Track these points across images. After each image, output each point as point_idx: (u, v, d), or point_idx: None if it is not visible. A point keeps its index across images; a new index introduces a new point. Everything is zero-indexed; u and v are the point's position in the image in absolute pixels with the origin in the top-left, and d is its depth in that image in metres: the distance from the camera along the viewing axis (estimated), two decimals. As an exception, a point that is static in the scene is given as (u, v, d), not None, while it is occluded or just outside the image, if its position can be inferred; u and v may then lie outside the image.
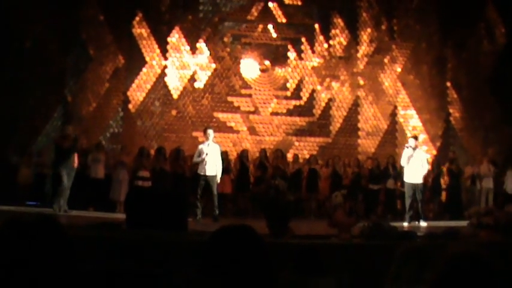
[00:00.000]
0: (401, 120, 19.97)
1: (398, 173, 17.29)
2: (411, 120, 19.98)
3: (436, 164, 17.99)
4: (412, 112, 19.96)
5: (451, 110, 20.14)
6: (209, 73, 19.26)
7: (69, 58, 18.77)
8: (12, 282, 2.30)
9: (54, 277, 2.38)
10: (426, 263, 3.52)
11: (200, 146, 14.06)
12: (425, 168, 14.77)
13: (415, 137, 15.30)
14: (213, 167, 13.77)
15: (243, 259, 2.44)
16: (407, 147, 14.55)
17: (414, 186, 14.42)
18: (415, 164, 14.38)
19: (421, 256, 3.70)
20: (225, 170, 15.79)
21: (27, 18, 18.07)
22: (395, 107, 19.99)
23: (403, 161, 14.62)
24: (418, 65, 20.16)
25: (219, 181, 14.02)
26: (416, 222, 14.24)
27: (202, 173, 13.76)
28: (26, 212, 12.19)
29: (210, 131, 14.03)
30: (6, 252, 2.36)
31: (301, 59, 19.69)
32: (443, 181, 17.90)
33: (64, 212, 13.70)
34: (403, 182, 16.86)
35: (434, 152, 19.58)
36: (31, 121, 18.25)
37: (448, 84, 20.20)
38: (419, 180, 14.49)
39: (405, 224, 14.09)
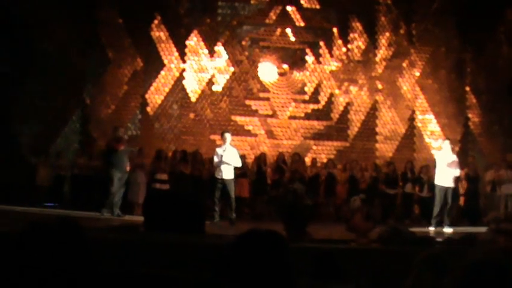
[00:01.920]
0: (419, 124, 19.87)
1: (417, 177, 17.24)
2: (429, 124, 19.88)
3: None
4: (430, 117, 19.86)
5: (469, 115, 20.01)
6: (227, 76, 19.28)
7: (88, 61, 18.85)
8: (33, 283, 2.32)
9: (74, 279, 2.39)
10: (444, 270, 3.51)
11: (216, 150, 14.10)
12: (457, 171, 14.46)
13: (450, 140, 15.09)
14: (230, 171, 13.80)
15: (269, 264, 2.44)
16: (442, 150, 14.42)
17: (445, 190, 14.16)
18: (448, 167, 14.13)
19: (439, 263, 3.69)
20: (243, 173, 15.81)
21: (46, 22, 18.18)
22: (414, 112, 19.90)
23: (439, 164, 14.34)
24: (436, 69, 20.05)
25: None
26: (441, 228, 13.94)
27: (219, 177, 13.78)
28: (47, 215, 12.32)
29: (227, 135, 14.06)
30: (28, 255, 2.38)
31: (319, 62, 19.66)
32: (461, 186, 17.78)
33: (117, 215, 13.81)
34: (421, 187, 16.82)
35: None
36: (50, 123, 18.36)
37: (467, 88, 20.07)
38: (451, 183, 14.22)
39: (431, 228, 13.89)
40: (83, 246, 2.55)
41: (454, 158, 14.48)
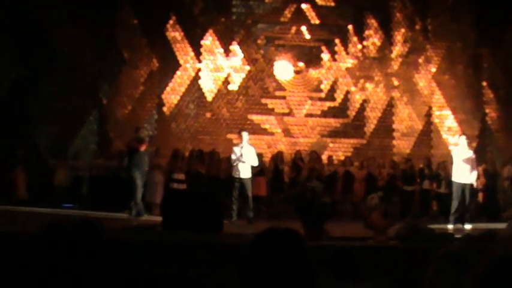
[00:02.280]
0: (436, 120, 19.77)
1: (434, 174, 17.15)
2: (446, 120, 19.78)
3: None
4: (447, 112, 19.76)
5: (487, 110, 19.88)
6: (243, 75, 19.28)
7: (104, 62, 18.92)
8: (54, 283, 2.33)
9: (95, 280, 2.41)
10: (465, 268, 3.48)
11: (234, 149, 14.12)
12: (474, 167, 14.17)
13: (466, 136, 14.88)
14: (247, 170, 13.81)
15: (287, 263, 2.44)
16: (458, 146, 14.28)
17: (463, 186, 13.90)
18: (465, 163, 13.92)
19: (459, 260, 3.67)
20: (260, 172, 15.81)
21: (63, 24, 18.27)
22: (431, 108, 19.81)
23: (456, 160, 14.11)
24: (453, 64, 19.94)
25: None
26: (460, 225, 13.71)
27: (237, 176, 13.80)
28: (67, 216, 12.39)
29: (245, 134, 14.10)
30: (49, 255, 2.39)
31: (335, 60, 19.62)
32: (480, 182, 17.65)
33: (135, 215, 13.82)
34: (439, 183, 16.71)
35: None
36: (67, 124, 18.45)
37: (484, 83, 19.93)
38: (468, 180, 13.93)
39: (450, 226, 13.67)
40: (103, 246, 2.57)
41: (471, 153, 14.27)
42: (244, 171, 13.79)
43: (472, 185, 14.15)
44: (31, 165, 17.04)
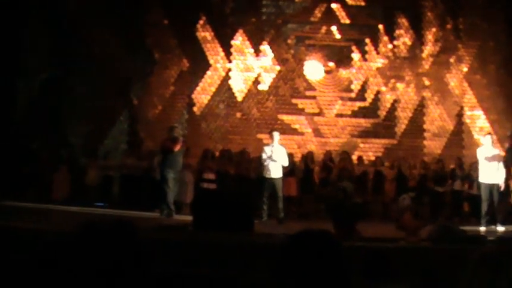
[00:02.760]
0: (468, 121, 19.60)
1: (466, 174, 16.98)
2: (478, 121, 19.59)
3: (505, 165, 17.51)
4: (479, 113, 19.57)
5: (520, 110, 19.67)
6: (273, 75, 19.29)
7: (135, 62, 19.03)
8: (90, 285, 2.35)
9: (130, 280, 2.41)
10: (501, 270, 3.44)
11: (265, 148, 14.13)
12: (501, 167, 13.90)
13: (491, 135, 14.66)
14: (278, 170, 13.80)
15: (323, 265, 2.43)
16: (483, 146, 14.10)
17: (491, 187, 13.71)
18: (492, 163, 13.70)
19: (496, 262, 3.63)
20: (290, 172, 15.79)
21: (94, 25, 18.44)
22: (462, 108, 19.64)
23: (481, 160, 13.95)
24: (485, 64, 19.75)
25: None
26: (493, 227, 13.49)
27: (267, 176, 13.79)
28: (99, 215, 12.49)
29: (275, 134, 14.10)
30: (84, 256, 2.40)
31: (365, 60, 19.54)
32: (512, 183, 17.46)
33: (166, 215, 13.76)
34: (470, 184, 16.52)
35: (503, 154, 19.12)
36: (98, 124, 18.61)
37: (517, 83, 19.75)
38: (495, 180, 13.70)
39: (482, 228, 13.47)
40: (138, 247, 2.57)
41: (497, 153, 14.07)
42: (275, 171, 13.80)
43: (499, 185, 13.93)
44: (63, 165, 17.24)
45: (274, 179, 13.78)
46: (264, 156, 13.86)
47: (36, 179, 16.90)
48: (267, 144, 14.42)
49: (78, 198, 16.11)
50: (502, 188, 13.90)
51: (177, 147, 13.89)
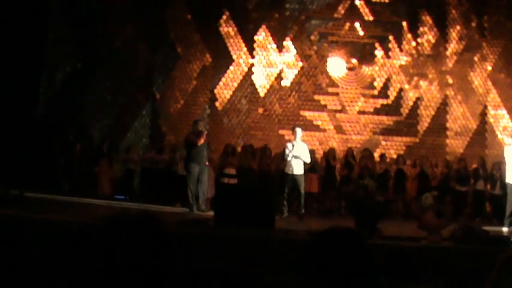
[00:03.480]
0: (491, 120, 19.42)
1: (489, 174, 16.86)
2: (502, 120, 19.41)
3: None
4: (503, 112, 19.39)
5: (544, 110, 19.50)
6: (296, 71, 19.25)
7: (158, 57, 19.14)
8: (115, 278, 2.35)
9: (155, 274, 2.42)
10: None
11: (287, 144, 14.13)
12: None
13: None
14: (300, 166, 13.80)
15: (348, 262, 2.43)
16: (510, 146, 13.93)
17: None
18: None
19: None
20: (312, 168, 15.77)
21: (116, 19, 18.53)
22: (486, 107, 19.46)
23: (509, 161, 13.79)
24: (509, 63, 19.56)
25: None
26: None
27: (289, 172, 13.79)
28: (122, 209, 12.56)
29: (298, 130, 14.09)
30: (109, 249, 2.41)
31: (388, 57, 19.44)
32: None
33: (201, 210, 13.79)
34: (493, 184, 16.39)
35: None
36: (121, 118, 18.71)
37: (542, 83, 19.58)
38: None
39: (504, 229, 13.37)
40: (163, 241, 2.58)
41: None
42: (297, 168, 13.80)
43: None
44: (87, 157, 17.35)
45: (296, 175, 13.78)
46: (287, 152, 13.85)
47: (71, 171, 17.05)
48: (289, 141, 14.43)
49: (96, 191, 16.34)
50: None
51: (201, 141, 13.88)
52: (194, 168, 13.89)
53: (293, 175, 13.73)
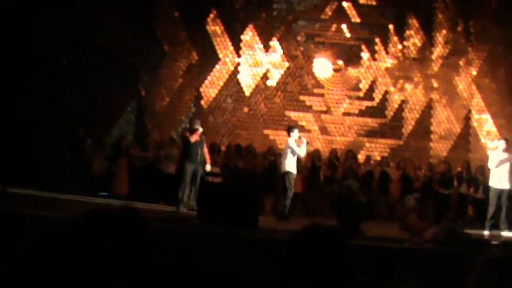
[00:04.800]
0: (475, 124, 19.54)
1: (473, 178, 16.94)
2: (485, 124, 19.53)
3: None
4: (486, 116, 19.52)
5: (528, 116, 19.63)
6: (282, 71, 19.26)
7: (144, 54, 19.06)
8: (95, 272, 2.35)
9: (136, 268, 2.41)
10: (508, 275, 3.43)
11: (290, 141, 14.12)
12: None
13: (506, 140, 14.57)
14: (295, 165, 13.94)
15: (328, 260, 2.43)
16: (496, 150, 14.01)
17: (500, 192, 13.65)
18: (503, 168, 13.64)
19: (502, 266, 3.62)
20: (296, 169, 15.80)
21: (103, 15, 18.44)
22: (470, 111, 19.58)
23: (491, 164, 13.94)
24: (494, 68, 19.68)
25: None
26: (497, 231, 13.42)
27: (287, 170, 13.88)
28: (104, 205, 12.53)
29: (296, 130, 14.25)
30: (90, 243, 2.40)
31: (374, 59, 19.50)
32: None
33: (193, 209, 13.60)
34: (476, 188, 16.48)
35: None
36: (106, 114, 18.62)
37: (526, 88, 19.71)
38: (505, 185, 13.64)
39: (485, 232, 13.46)
40: (145, 235, 2.57)
41: (509, 158, 13.88)
42: (294, 166, 13.88)
43: (509, 190, 13.90)
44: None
45: (291, 173, 13.88)
46: (295, 148, 13.88)
47: (79, 168, 16.92)
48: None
49: (84, 187, 16.23)
50: None
51: (194, 138, 13.80)
52: (188, 166, 13.81)
53: (289, 172, 13.83)
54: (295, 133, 14.09)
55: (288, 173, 13.91)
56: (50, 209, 10.86)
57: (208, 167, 14.32)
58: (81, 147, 17.05)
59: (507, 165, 13.75)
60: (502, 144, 14.01)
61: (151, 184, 16.07)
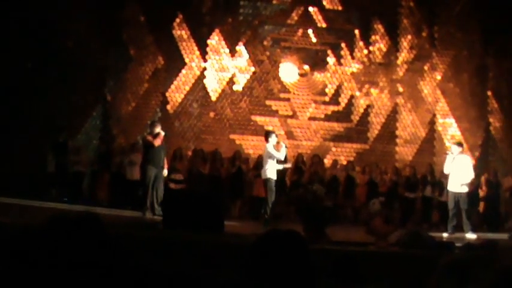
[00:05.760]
0: (439, 128, 19.76)
1: (437, 181, 17.10)
2: (450, 128, 19.76)
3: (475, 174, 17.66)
4: (451, 121, 19.75)
5: (491, 120, 19.88)
6: (248, 76, 19.25)
7: (110, 58, 18.86)
8: (56, 276, 2.32)
9: (96, 273, 2.39)
10: (468, 276, 3.45)
11: (270, 148, 14.05)
12: (469, 176, 13.92)
13: (459, 144, 14.67)
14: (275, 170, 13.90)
15: (289, 263, 2.43)
16: (450, 154, 14.11)
17: (457, 196, 13.75)
18: (459, 172, 13.72)
19: (463, 268, 3.64)
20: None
21: (68, 18, 18.24)
22: (434, 115, 19.79)
23: (446, 169, 14.07)
24: (458, 73, 19.94)
25: None
26: (458, 234, 13.48)
27: (269, 176, 13.84)
28: (69, 210, 12.39)
29: (274, 135, 14.22)
30: (50, 248, 2.37)
31: (340, 64, 19.60)
32: (482, 192, 17.61)
33: (159, 214, 13.45)
34: (441, 191, 16.65)
35: (473, 162, 19.29)
36: (70, 119, 18.40)
37: (489, 93, 19.97)
38: (461, 189, 13.75)
39: (445, 234, 13.60)
40: (104, 240, 2.55)
41: (465, 162, 14.00)
42: (274, 172, 13.84)
43: (471, 194, 13.99)
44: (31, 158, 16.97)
45: (272, 179, 13.85)
46: (277, 154, 13.83)
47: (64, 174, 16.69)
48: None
49: (43, 193, 16.02)
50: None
51: (158, 142, 13.68)
52: (150, 171, 13.62)
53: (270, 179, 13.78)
54: (273, 138, 14.02)
55: (269, 179, 13.86)
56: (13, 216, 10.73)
57: (165, 172, 14.14)
58: (64, 153, 16.84)
59: (462, 169, 13.81)
60: (456, 149, 14.10)
61: (117, 190, 15.96)
